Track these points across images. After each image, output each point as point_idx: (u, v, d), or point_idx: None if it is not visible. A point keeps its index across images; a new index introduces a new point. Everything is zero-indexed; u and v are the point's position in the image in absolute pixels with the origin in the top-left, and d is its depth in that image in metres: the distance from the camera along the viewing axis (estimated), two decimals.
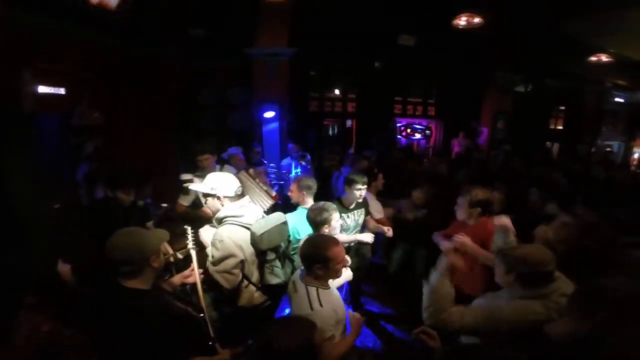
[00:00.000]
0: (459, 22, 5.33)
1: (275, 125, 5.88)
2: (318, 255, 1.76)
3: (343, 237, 2.76)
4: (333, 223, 2.37)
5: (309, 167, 4.96)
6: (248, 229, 2.11)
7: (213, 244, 2.06)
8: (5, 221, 2.83)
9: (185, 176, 2.55)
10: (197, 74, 5.76)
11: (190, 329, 1.59)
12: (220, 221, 2.13)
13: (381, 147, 6.63)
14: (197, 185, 2.24)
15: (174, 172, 4.41)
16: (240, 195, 2.22)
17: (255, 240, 2.08)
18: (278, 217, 2.26)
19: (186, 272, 2.00)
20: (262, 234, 2.08)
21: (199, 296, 1.92)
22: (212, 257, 2.04)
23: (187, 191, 3.11)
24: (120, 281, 1.47)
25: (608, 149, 8.25)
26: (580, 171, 5.20)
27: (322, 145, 7.78)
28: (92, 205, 3.58)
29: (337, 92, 8.01)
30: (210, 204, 2.18)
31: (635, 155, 8.85)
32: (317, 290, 1.75)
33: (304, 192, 2.73)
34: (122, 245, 1.45)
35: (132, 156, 4.60)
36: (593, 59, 7.15)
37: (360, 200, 2.97)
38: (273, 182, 4.45)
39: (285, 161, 5.22)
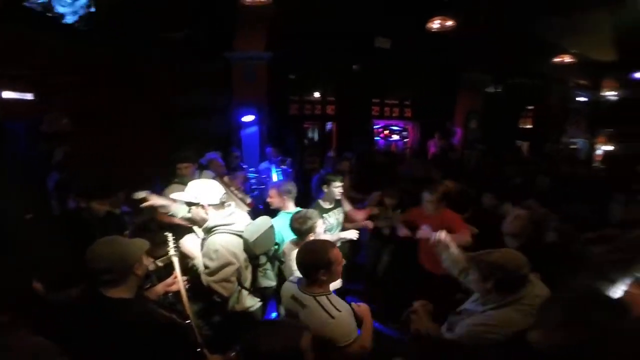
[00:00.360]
0: (432, 25, 5.51)
1: (254, 129, 5.89)
2: (320, 261, 1.73)
3: (329, 238, 2.78)
4: (318, 229, 2.41)
5: (289, 170, 4.99)
6: (240, 236, 2.12)
7: (207, 255, 2.04)
8: None
9: (140, 194, 2.33)
10: (176, 78, 5.64)
11: (177, 337, 1.58)
12: (209, 230, 2.10)
13: (360, 148, 6.73)
14: (180, 194, 2.18)
15: (151, 179, 4.39)
16: (224, 203, 2.19)
17: (248, 247, 2.11)
18: (266, 221, 2.29)
19: (169, 280, 1.98)
20: (255, 239, 2.11)
21: (184, 303, 1.90)
22: (208, 267, 2.02)
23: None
24: (102, 291, 1.44)
25: (573, 147, 8.74)
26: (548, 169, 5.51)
27: (302, 148, 7.81)
28: (64, 216, 3.45)
29: (316, 95, 8.07)
30: (195, 213, 2.13)
31: (598, 152, 9.39)
32: (328, 297, 1.74)
33: (285, 197, 2.79)
34: (104, 254, 1.44)
35: (104, 163, 4.48)
36: (557, 59, 7.57)
37: (339, 198, 3.10)
38: (253, 187, 4.44)
39: (263, 165, 5.20)
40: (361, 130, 8.06)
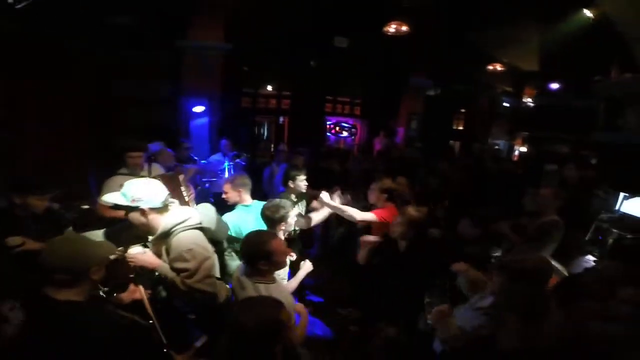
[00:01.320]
0: (389, 29, 5.89)
1: (205, 120, 5.74)
2: (260, 252, 1.81)
3: (317, 217, 3.12)
4: (290, 220, 2.41)
5: (242, 164, 4.99)
6: (200, 228, 1.99)
7: (180, 258, 1.84)
8: None
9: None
10: (117, 67, 5.31)
11: (139, 338, 1.53)
12: (168, 234, 1.90)
13: (313, 145, 6.95)
14: (115, 197, 1.86)
15: (87, 170, 4.19)
16: (168, 205, 1.96)
17: (212, 235, 2.11)
18: (209, 206, 2.30)
19: (132, 287, 1.89)
20: (216, 226, 2.16)
21: (146, 303, 1.82)
22: (186, 270, 1.83)
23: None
24: (48, 292, 1.31)
25: (496, 147, 9.91)
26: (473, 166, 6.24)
27: (255, 142, 7.79)
28: None
29: (270, 89, 8.08)
30: (133, 218, 1.88)
31: (516, 152, 10.74)
32: (265, 286, 1.83)
33: (241, 190, 2.79)
34: (63, 252, 1.35)
35: (37, 155, 4.12)
36: (490, 67, 8.51)
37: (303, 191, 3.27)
38: (204, 180, 4.39)
39: (215, 157, 5.07)
40: (314, 125, 8.28)
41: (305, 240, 3.63)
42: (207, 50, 5.73)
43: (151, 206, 1.84)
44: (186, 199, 2.82)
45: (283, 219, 2.34)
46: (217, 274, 2.17)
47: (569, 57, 6.77)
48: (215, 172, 4.67)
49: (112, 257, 1.63)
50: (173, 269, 1.86)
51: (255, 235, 1.94)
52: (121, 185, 1.91)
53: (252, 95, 7.63)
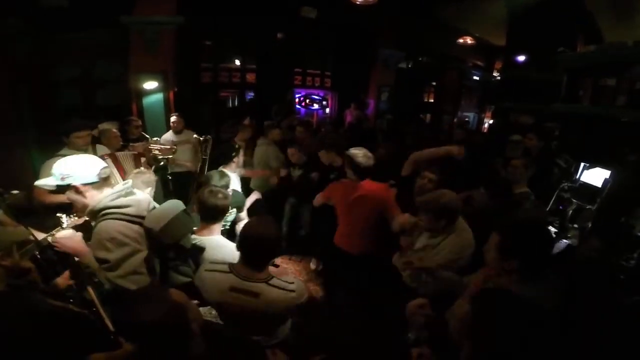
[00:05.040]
0: None
1: (159, 97, 5.37)
2: (277, 248, 1.76)
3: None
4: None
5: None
6: (139, 223, 1.74)
7: (100, 245, 1.66)
8: None
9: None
10: (57, 48, 4.92)
11: (73, 327, 1.41)
12: (96, 215, 1.70)
13: (280, 117, 6.68)
14: (44, 180, 1.70)
15: (23, 154, 4.14)
16: (107, 179, 1.78)
17: (153, 237, 1.75)
18: (176, 204, 1.90)
19: (66, 273, 1.69)
20: (161, 228, 1.73)
21: (88, 289, 1.64)
22: (106, 261, 1.65)
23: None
24: None
25: (466, 119, 10.07)
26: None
27: (219, 118, 7.41)
28: None
29: (237, 62, 7.61)
30: (70, 198, 1.72)
31: (485, 125, 10.99)
32: (275, 278, 1.72)
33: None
34: None
35: None
36: (460, 41, 8.43)
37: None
38: (159, 158, 4.11)
39: (167, 136, 4.79)
40: (282, 99, 7.95)
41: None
42: (156, 24, 5.28)
43: (84, 182, 1.67)
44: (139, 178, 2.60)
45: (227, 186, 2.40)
46: (153, 272, 1.84)
47: (534, 30, 6.79)
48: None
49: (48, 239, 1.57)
50: (96, 258, 1.66)
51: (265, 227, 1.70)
52: None
53: (213, 70, 7.13)
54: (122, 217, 1.71)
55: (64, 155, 2.72)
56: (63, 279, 1.68)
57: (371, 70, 8.53)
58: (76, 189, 1.67)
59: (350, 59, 8.36)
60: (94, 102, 5.51)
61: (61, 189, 1.68)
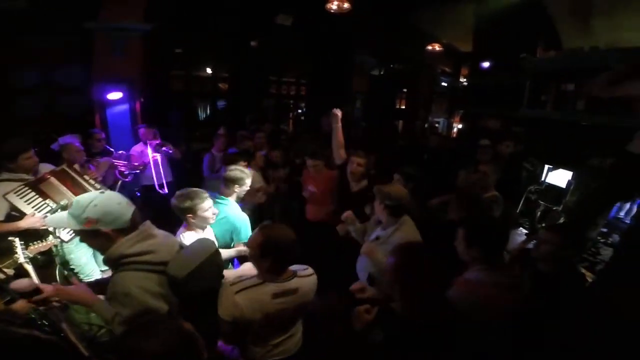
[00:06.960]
0: (331, 6, 5.64)
1: (124, 107, 5.14)
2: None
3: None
4: (201, 212, 2.22)
5: (170, 151, 4.53)
6: (162, 272, 1.48)
7: (115, 299, 1.44)
8: None
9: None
10: (15, 55, 4.72)
11: (42, 355, 1.25)
12: (115, 263, 1.47)
13: (254, 126, 6.57)
14: (60, 220, 1.47)
15: None
16: (137, 223, 1.50)
17: (178, 285, 1.46)
18: (206, 244, 1.65)
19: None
20: (187, 274, 1.45)
21: (55, 314, 1.48)
22: (120, 315, 1.43)
23: None
24: None
25: (436, 124, 10.34)
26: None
27: (190, 127, 7.21)
28: None
29: (208, 71, 7.45)
30: (89, 244, 1.53)
31: (455, 130, 11.32)
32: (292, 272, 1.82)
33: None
34: None
35: None
36: (429, 47, 8.66)
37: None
38: (125, 173, 3.91)
39: (136, 148, 4.54)
40: (256, 107, 7.84)
41: None
42: (122, 31, 5.08)
43: (116, 227, 1.44)
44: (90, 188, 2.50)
45: (190, 210, 2.17)
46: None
47: (499, 36, 7.08)
48: (139, 164, 4.17)
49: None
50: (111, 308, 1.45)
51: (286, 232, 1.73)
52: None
53: (183, 78, 6.95)
54: (141, 267, 1.47)
55: (8, 181, 2.40)
56: (21, 305, 1.50)
57: (347, 77, 8.58)
58: (107, 236, 1.44)
59: (326, 66, 8.40)
60: (57, 112, 5.17)
61: (83, 234, 1.47)
